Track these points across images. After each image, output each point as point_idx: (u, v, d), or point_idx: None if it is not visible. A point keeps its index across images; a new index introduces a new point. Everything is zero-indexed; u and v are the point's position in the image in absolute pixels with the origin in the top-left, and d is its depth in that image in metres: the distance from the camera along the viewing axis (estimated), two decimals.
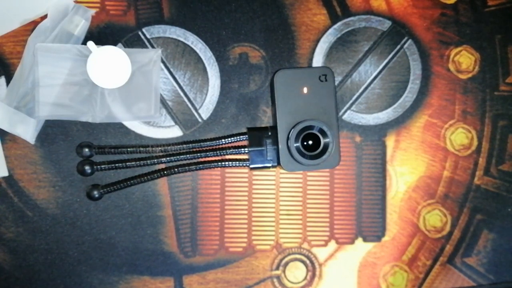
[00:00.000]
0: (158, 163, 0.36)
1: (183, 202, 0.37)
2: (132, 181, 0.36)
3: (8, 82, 0.36)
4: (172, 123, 0.37)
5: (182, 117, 0.37)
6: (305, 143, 0.34)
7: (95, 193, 0.36)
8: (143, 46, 0.37)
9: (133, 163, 0.36)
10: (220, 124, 0.37)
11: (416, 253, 0.38)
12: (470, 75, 0.38)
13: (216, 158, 0.36)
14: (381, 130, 0.38)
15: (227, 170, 0.37)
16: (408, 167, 0.38)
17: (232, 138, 0.36)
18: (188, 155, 0.36)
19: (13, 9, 0.35)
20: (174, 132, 0.37)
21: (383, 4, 0.38)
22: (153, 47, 0.37)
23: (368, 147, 0.38)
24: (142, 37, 0.37)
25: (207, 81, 0.37)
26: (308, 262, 0.38)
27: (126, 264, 0.37)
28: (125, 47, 0.37)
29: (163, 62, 0.37)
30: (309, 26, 0.38)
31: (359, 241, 0.38)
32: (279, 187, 0.38)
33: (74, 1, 0.36)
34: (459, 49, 0.38)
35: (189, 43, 0.37)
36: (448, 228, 0.38)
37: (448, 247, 0.38)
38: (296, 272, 0.38)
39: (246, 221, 0.38)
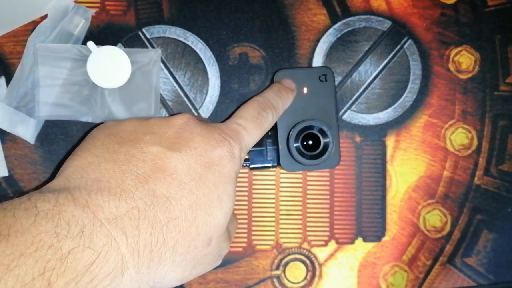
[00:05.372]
0: None
1: None
2: None
3: (8, 82, 0.36)
4: None
5: None
6: (305, 143, 0.34)
7: None
8: (143, 46, 0.37)
9: None
10: None
11: (416, 253, 0.38)
12: (470, 75, 0.38)
13: None
14: (381, 130, 0.38)
15: None
16: (408, 167, 0.38)
17: None
18: None
19: (13, 9, 0.35)
20: None
21: (383, 4, 0.38)
22: (153, 47, 0.37)
23: (368, 147, 0.38)
24: (142, 37, 0.37)
25: (207, 81, 0.37)
26: (308, 262, 0.38)
27: None
28: (125, 47, 0.37)
29: (163, 62, 0.37)
30: (309, 26, 0.38)
31: (359, 241, 0.38)
32: (279, 187, 0.38)
33: (74, 1, 0.36)
34: (459, 49, 0.38)
35: (189, 43, 0.37)
36: (448, 228, 0.38)
37: (448, 247, 0.38)
38: (296, 272, 0.38)
39: (246, 221, 0.38)
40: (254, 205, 0.38)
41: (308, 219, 0.38)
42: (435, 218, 0.38)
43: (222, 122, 0.30)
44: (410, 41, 0.38)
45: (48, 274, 0.19)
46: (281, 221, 0.38)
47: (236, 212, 0.37)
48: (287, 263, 0.38)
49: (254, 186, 0.38)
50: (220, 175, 0.26)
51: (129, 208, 0.22)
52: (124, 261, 0.21)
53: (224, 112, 0.37)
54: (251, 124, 0.29)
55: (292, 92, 0.33)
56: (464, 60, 0.38)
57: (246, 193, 0.38)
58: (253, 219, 0.38)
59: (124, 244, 0.21)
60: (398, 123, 0.38)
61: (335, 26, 0.38)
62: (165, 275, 0.24)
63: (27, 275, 0.18)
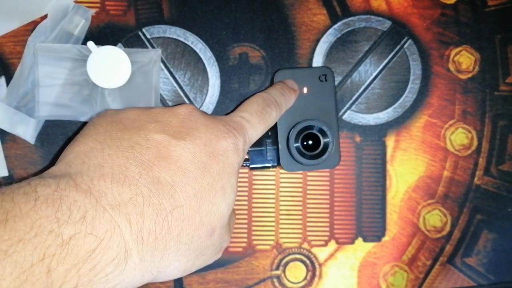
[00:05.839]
0: None
1: None
2: None
3: (8, 82, 0.36)
4: None
5: None
6: (305, 143, 0.34)
7: None
8: (143, 46, 0.37)
9: None
10: None
11: (416, 253, 0.38)
12: (470, 75, 0.38)
13: None
14: (381, 130, 0.38)
15: None
16: (408, 167, 0.38)
17: None
18: None
19: (13, 9, 0.35)
20: None
21: (383, 4, 0.38)
22: (153, 47, 0.37)
23: (368, 147, 0.38)
24: (142, 37, 0.37)
25: (207, 81, 0.37)
26: (308, 262, 0.38)
27: None
28: (125, 47, 0.37)
29: (163, 62, 0.37)
30: (309, 26, 0.38)
31: (359, 241, 0.38)
32: (279, 187, 0.38)
33: (74, 1, 0.36)
34: (459, 49, 0.38)
35: (189, 43, 0.37)
36: (448, 228, 0.38)
37: (448, 247, 0.38)
38: (296, 272, 0.38)
39: (246, 221, 0.38)
40: (254, 205, 0.38)
41: (308, 219, 0.38)
42: (435, 218, 0.38)
43: (226, 115, 0.30)
44: (410, 41, 0.38)
45: (48, 260, 0.18)
46: (281, 221, 0.38)
47: (236, 212, 0.37)
48: (287, 263, 0.38)
49: (254, 186, 0.38)
50: (224, 165, 0.26)
51: (133, 195, 0.22)
52: (128, 248, 0.21)
53: (224, 112, 0.37)
54: (255, 118, 0.29)
55: (295, 92, 0.33)
56: (464, 60, 0.38)
57: (246, 193, 0.38)
58: (253, 219, 0.38)
59: (127, 231, 0.21)
60: (398, 123, 0.38)
61: (335, 26, 0.38)
62: (169, 265, 0.24)
63: (26, 261, 0.18)
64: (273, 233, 0.38)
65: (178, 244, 0.23)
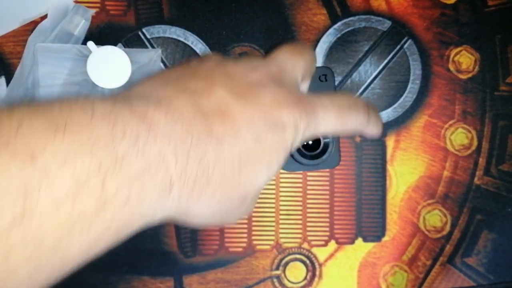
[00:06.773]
0: None
1: None
2: None
3: (8, 82, 0.36)
4: None
5: None
6: (305, 143, 0.34)
7: None
8: (143, 46, 0.37)
9: None
10: None
11: (416, 253, 0.38)
12: (470, 75, 0.38)
13: None
14: None
15: None
16: (408, 167, 0.38)
17: None
18: None
19: (13, 9, 0.35)
20: None
21: (383, 4, 0.38)
22: (153, 47, 0.37)
23: (368, 147, 0.38)
24: (142, 37, 0.37)
25: None
26: (308, 262, 0.38)
27: (126, 264, 0.37)
28: (125, 47, 0.37)
29: (163, 62, 0.37)
30: (309, 26, 0.38)
31: (359, 241, 0.38)
32: (279, 187, 0.38)
33: (74, 1, 0.36)
34: (459, 49, 0.38)
35: (189, 43, 0.37)
36: (448, 228, 0.38)
37: (448, 247, 0.38)
38: (296, 272, 0.38)
39: (246, 221, 0.38)
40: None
41: (308, 219, 0.38)
42: (435, 218, 0.38)
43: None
44: (410, 41, 0.38)
45: (103, 172, 0.18)
46: (281, 221, 0.38)
47: None
48: (287, 263, 0.38)
49: None
50: (278, 140, 0.24)
51: (183, 133, 0.22)
52: (172, 181, 0.21)
53: None
54: (334, 110, 0.26)
55: (381, 125, 0.30)
56: (464, 60, 0.38)
57: None
58: (253, 219, 0.38)
59: (173, 165, 0.21)
60: (398, 123, 0.38)
61: (335, 26, 0.38)
62: (196, 215, 0.23)
63: (83, 169, 0.18)
64: (273, 233, 0.38)
65: (211, 199, 0.23)
